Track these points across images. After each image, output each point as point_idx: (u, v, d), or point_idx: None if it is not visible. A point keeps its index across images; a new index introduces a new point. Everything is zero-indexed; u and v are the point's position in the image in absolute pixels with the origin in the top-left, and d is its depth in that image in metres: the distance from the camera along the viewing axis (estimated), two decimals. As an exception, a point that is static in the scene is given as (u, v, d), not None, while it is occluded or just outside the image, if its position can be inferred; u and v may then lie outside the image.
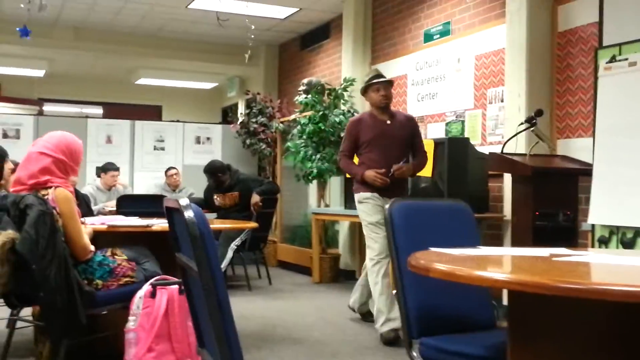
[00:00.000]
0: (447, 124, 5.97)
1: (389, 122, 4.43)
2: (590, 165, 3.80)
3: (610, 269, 1.73)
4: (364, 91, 4.52)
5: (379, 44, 7.14)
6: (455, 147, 4.96)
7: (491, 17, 5.50)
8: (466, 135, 5.59)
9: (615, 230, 3.58)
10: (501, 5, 5.26)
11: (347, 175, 6.23)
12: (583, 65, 4.60)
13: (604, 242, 3.61)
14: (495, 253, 2.05)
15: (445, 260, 1.72)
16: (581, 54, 4.64)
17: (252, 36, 6.75)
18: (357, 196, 4.48)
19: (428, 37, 6.33)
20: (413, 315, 2.19)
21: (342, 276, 6.79)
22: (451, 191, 4.78)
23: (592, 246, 3.66)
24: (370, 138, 4.38)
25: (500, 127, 5.26)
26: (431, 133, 6.13)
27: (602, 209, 3.65)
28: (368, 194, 4.38)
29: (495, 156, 4.28)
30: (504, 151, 4.38)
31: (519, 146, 4.54)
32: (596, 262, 1.83)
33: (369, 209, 4.38)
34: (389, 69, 6.91)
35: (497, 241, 5.06)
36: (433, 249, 1.93)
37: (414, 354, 2.13)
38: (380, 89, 4.39)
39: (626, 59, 3.66)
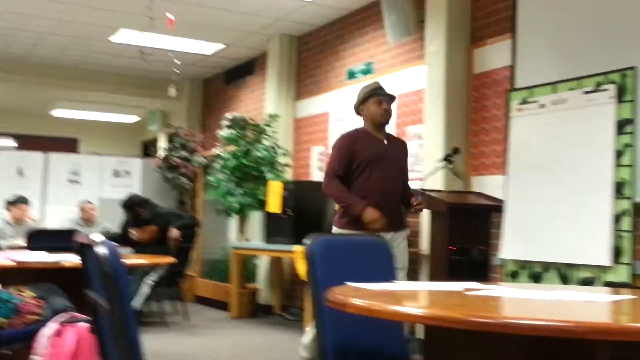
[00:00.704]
0: (368, 161, 6.06)
1: (386, 142, 3.90)
2: (502, 201, 3.93)
3: (520, 303, 1.78)
4: (362, 103, 3.93)
5: (303, 81, 7.22)
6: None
7: (412, 58, 5.68)
8: (387, 172, 5.67)
9: (525, 264, 3.71)
10: (421, 47, 5.44)
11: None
12: (497, 107, 4.80)
13: (514, 276, 3.73)
14: (411, 288, 2.07)
15: (362, 295, 1.72)
16: (495, 96, 4.84)
17: (178, 72, 6.69)
18: (340, 233, 3.72)
19: (351, 75, 6.45)
20: (330, 350, 2.17)
21: (260, 311, 6.73)
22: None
23: (503, 280, 3.77)
24: (368, 158, 3.77)
25: (420, 163, 5.39)
26: (353, 169, 6.19)
27: (513, 244, 3.77)
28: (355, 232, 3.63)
29: (414, 192, 4.36)
30: (423, 187, 4.48)
31: (436, 183, 4.65)
32: (506, 296, 1.88)
33: None
34: (312, 105, 7.00)
35: (415, 275, 5.12)
36: (350, 284, 1.93)
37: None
38: (382, 102, 3.87)
39: (536, 102, 3.84)
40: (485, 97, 4.95)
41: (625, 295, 1.96)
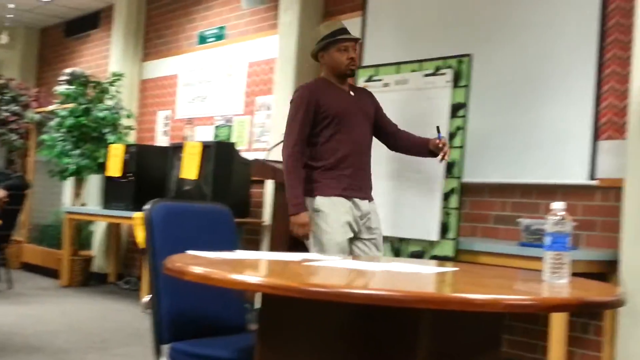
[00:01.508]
0: (216, 128, 5.98)
1: (352, 94, 3.30)
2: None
3: (354, 274, 1.85)
4: (322, 49, 3.25)
5: (152, 40, 6.93)
6: (221, 152, 4.99)
7: (265, 26, 5.64)
8: (233, 140, 5.65)
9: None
10: (275, 17, 5.42)
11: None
12: (344, 83, 4.91)
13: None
14: (251, 257, 2.08)
15: (201, 263, 1.69)
16: (343, 72, 4.95)
17: (11, 16, 6.12)
18: (315, 201, 3.14)
19: (202, 40, 6.30)
20: (165, 320, 2.12)
21: (93, 279, 6.46)
22: (215, 195, 4.78)
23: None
24: (335, 113, 3.14)
25: (267, 134, 5.40)
26: (200, 136, 6.09)
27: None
28: (333, 199, 3.13)
29: (259, 162, 4.37)
30: (269, 158, 4.50)
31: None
32: (342, 267, 1.94)
33: (332, 222, 3.10)
34: (160, 67, 6.75)
35: (256, 246, 5.17)
36: (190, 252, 1.89)
37: (163, 359, 2.07)
38: (348, 48, 3.22)
39: (381, 80, 3.98)
40: (334, 72, 5.04)
41: (449, 268, 2.11)
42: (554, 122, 3.71)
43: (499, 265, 3.06)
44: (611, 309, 2.97)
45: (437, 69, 3.72)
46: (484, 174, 3.93)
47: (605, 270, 3.27)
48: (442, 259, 3.47)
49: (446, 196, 3.56)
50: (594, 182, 3.52)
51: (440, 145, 3.18)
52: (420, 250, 3.62)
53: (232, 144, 5.28)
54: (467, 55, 3.64)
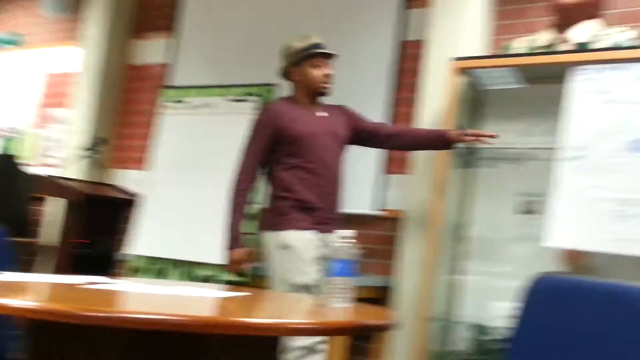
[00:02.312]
0: (3, 140, 5.48)
1: (324, 114, 2.93)
2: (137, 196, 3.93)
3: (138, 298, 1.77)
4: (295, 64, 2.90)
5: None
6: (2, 165, 4.59)
7: (67, 37, 5.34)
8: (23, 154, 5.22)
9: (154, 260, 3.75)
10: (79, 28, 5.14)
11: None
12: (148, 101, 4.78)
13: (141, 271, 3.74)
14: (23, 279, 1.90)
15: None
16: (149, 91, 4.82)
17: None
18: (283, 236, 2.76)
19: (-7, 43, 5.78)
20: None
21: None
22: (-6, 212, 4.37)
23: (131, 275, 3.75)
24: (300, 135, 2.80)
25: (60, 150, 5.06)
26: (-18, 147, 5.54)
27: (143, 239, 3.79)
28: (302, 234, 2.75)
29: (47, 179, 4.10)
30: (62, 175, 4.23)
31: (75, 171, 4.43)
32: (126, 291, 1.85)
33: (302, 260, 2.71)
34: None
35: (36, 267, 4.78)
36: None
37: None
38: (322, 64, 2.88)
39: (187, 102, 3.93)
40: (138, 90, 4.90)
41: (239, 293, 2.10)
42: (350, 156, 3.90)
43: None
44: (384, 331, 3.14)
45: (245, 95, 3.76)
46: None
47: (382, 296, 3.48)
48: (237, 284, 3.45)
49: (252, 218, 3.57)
50: (377, 213, 3.75)
51: (475, 134, 2.88)
52: (213, 275, 3.57)
53: (15, 157, 4.87)
54: (273, 84, 3.72)
